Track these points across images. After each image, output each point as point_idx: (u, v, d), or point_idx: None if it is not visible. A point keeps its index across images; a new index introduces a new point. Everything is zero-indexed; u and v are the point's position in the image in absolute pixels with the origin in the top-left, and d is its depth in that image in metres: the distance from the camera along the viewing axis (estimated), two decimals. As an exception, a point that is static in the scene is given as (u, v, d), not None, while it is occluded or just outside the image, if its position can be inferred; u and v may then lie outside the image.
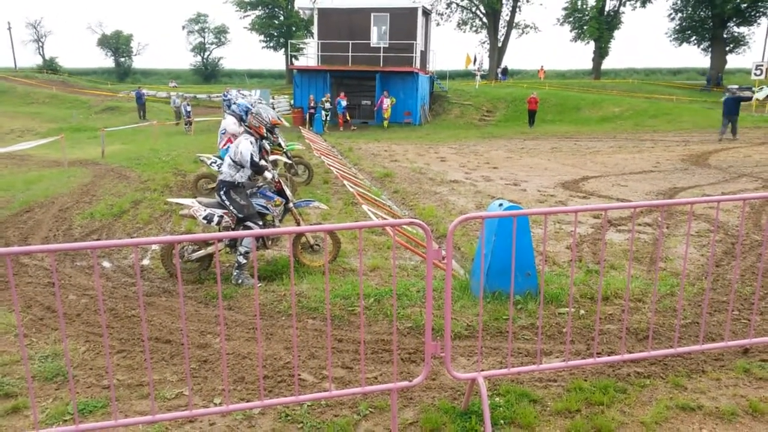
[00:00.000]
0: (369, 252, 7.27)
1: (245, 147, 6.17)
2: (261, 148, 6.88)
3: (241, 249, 6.13)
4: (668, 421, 3.42)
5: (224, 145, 10.22)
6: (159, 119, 29.02)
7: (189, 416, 3.14)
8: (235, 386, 3.91)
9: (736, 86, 34.22)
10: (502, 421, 3.40)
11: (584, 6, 48.70)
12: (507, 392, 3.72)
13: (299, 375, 4.04)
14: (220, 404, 3.64)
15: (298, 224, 6.69)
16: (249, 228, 6.15)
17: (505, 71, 46.03)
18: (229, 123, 10.16)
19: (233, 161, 6.21)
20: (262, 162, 6.48)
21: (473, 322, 4.81)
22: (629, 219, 8.58)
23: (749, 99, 23.90)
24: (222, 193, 6.21)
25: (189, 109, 26.87)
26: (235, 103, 10.81)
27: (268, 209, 6.44)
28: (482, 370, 3.75)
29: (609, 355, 4.11)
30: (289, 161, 11.21)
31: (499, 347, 4.42)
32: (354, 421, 3.48)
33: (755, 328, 4.60)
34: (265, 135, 6.68)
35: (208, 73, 71.01)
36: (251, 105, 6.98)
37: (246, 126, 6.41)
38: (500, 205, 5.48)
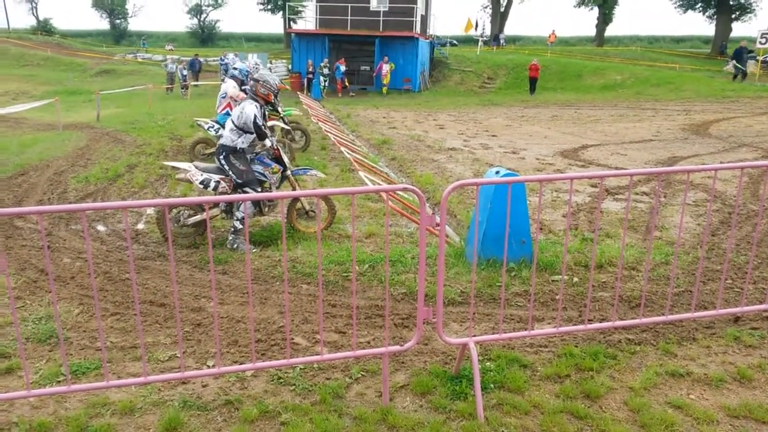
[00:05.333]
0: (365, 219, 7.25)
1: (250, 109, 6.08)
2: (265, 115, 6.79)
3: (238, 214, 6.11)
4: (657, 386, 3.45)
5: (223, 109, 10.10)
6: (155, 83, 28.63)
7: (181, 378, 3.16)
8: (228, 349, 3.93)
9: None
10: (492, 385, 3.43)
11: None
12: (498, 357, 3.74)
13: (292, 339, 4.06)
14: (213, 366, 3.67)
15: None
16: (246, 194, 6.11)
17: (496, 38, 44.87)
18: (230, 87, 10.03)
19: (236, 126, 6.12)
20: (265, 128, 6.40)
21: (467, 288, 4.82)
22: (627, 188, 8.54)
23: (754, 56, 28.42)
24: (222, 157, 6.14)
25: (185, 73, 26.49)
26: (234, 68, 10.66)
27: (265, 176, 6.39)
28: (474, 336, 3.77)
29: (600, 322, 4.12)
30: (287, 127, 11.10)
31: (492, 314, 4.44)
32: (346, 384, 3.51)
33: (747, 296, 4.62)
34: (273, 101, 6.57)
35: (205, 36, 69.90)
36: (252, 71, 6.85)
37: (252, 94, 6.29)
38: (497, 172, 5.44)
